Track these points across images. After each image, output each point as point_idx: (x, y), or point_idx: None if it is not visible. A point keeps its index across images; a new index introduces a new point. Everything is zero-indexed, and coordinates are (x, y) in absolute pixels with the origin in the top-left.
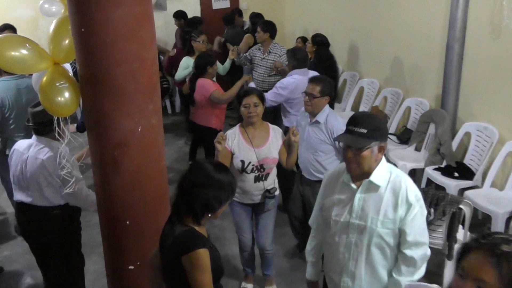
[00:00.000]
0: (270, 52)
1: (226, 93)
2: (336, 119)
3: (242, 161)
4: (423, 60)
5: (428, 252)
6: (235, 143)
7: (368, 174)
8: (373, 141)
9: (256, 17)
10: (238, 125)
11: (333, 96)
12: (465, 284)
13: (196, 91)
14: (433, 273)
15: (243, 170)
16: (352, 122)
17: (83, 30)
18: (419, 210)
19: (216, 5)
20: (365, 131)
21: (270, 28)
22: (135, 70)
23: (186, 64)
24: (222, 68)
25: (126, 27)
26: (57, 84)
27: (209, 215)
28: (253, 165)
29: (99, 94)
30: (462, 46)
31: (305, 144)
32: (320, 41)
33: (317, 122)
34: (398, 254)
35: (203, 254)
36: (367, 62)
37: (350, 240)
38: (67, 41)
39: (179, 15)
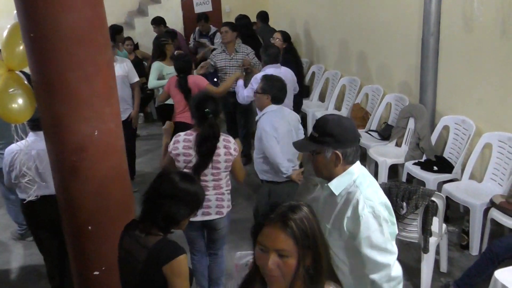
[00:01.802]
0: (237, 51)
1: (220, 86)
2: (267, 119)
3: None
4: (401, 56)
5: (394, 273)
6: None
7: (330, 179)
8: (324, 147)
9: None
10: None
11: (302, 91)
12: (267, 257)
13: (192, 89)
14: (414, 268)
15: None
16: (313, 125)
17: (32, 35)
18: (377, 227)
19: (198, 9)
20: (316, 135)
21: (241, 28)
22: (90, 74)
23: (159, 70)
24: None
25: (78, 32)
26: (10, 91)
27: (174, 226)
28: None
29: (54, 99)
30: (437, 40)
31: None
32: (288, 37)
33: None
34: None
35: (184, 260)
36: (347, 60)
37: None
38: (20, 48)
39: (158, 22)
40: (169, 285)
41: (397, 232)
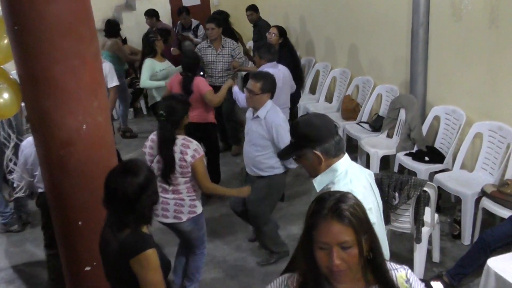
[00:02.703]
0: (223, 46)
1: (216, 95)
2: (276, 115)
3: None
4: (391, 47)
5: None
6: (200, 147)
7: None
8: (303, 149)
9: (221, 14)
10: (183, 136)
11: (300, 86)
12: (331, 253)
13: (194, 91)
14: (407, 259)
15: None
16: (290, 132)
17: (16, 28)
18: None
19: (186, 2)
20: (293, 140)
21: (222, 23)
22: (75, 67)
23: (151, 67)
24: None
25: (63, 24)
26: None
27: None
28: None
29: (39, 93)
30: (427, 30)
31: (247, 138)
32: (284, 32)
33: (258, 117)
34: None
35: (152, 254)
36: (338, 52)
37: None
38: (5, 41)
39: (151, 14)
40: (138, 279)
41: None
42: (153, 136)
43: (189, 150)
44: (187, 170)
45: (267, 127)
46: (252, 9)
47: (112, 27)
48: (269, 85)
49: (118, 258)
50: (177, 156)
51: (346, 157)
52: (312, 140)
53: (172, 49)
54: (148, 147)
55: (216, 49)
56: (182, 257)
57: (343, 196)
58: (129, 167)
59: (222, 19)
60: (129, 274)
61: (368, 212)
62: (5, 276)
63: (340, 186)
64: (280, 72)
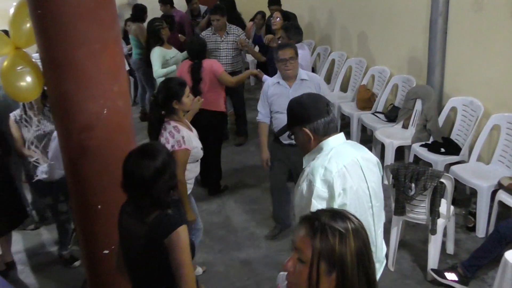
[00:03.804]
0: (228, 33)
1: (235, 77)
2: (315, 75)
3: (202, 148)
4: (409, 36)
5: None
6: (187, 138)
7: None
8: (294, 127)
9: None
10: (172, 122)
11: None
12: (292, 256)
13: (205, 74)
14: (420, 250)
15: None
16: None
17: (39, 12)
18: (305, 200)
19: None
20: (287, 119)
21: (226, 11)
22: (96, 51)
23: (161, 56)
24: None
25: (84, 8)
26: (18, 69)
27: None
28: (201, 148)
29: (61, 77)
30: (446, 20)
31: (282, 109)
32: (288, 16)
33: (303, 80)
34: None
35: (183, 232)
36: (354, 41)
37: None
38: (27, 25)
39: (165, 1)
40: (171, 258)
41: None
42: (178, 125)
43: (171, 139)
44: None
45: (316, 86)
46: (276, 3)
47: (138, 12)
48: (296, 49)
49: (150, 241)
50: (162, 141)
51: (337, 136)
52: (301, 119)
53: (179, 35)
54: (187, 134)
55: (220, 36)
56: None
57: (342, 217)
58: (147, 150)
59: (227, 6)
60: (162, 255)
61: (341, 192)
62: (22, 257)
63: (318, 162)
64: (306, 53)
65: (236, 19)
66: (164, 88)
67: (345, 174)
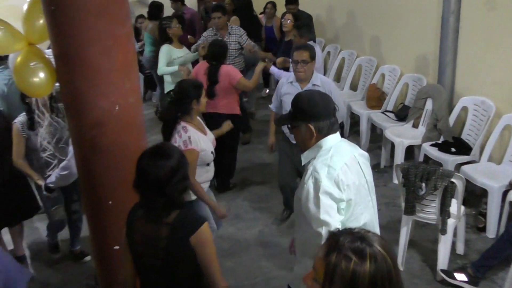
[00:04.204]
0: (230, 33)
1: (251, 80)
2: (327, 79)
3: (212, 152)
4: (419, 35)
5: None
6: (197, 140)
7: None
8: (298, 122)
9: None
10: (182, 123)
11: None
12: (310, 273)
13: (221, 79)
14: (429, 250)
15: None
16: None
17: (53, 8)
18: (313, 198)
19: None
20: (292, 110)
21: (245, 9)
22: (109, 48)
23: (168, 54)
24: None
25: (97, 5)
26: (31, 65)
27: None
28: (212, 152)
29: (73, 74)
30: (458, 19)
31: None
32: (299, 16)
33: (315, 85)
34: None
35: (207, 228)
36: (364, 40)
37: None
38: (41, 21)
39: None
40: (198, 256)
41: (343, 207)
42: (188, 126)
43: (179, 139)
44: None
45: (326, 92)
46: (293, 2)
47: (153, 9)
48: (313, 53)
49: (174, 241)
50: (172, 140)
51: (335, 135)
52: (309, 115)
53: (189, 36)
54: (197, 137)
55: (223, 36)
56: None
57: (364, 242)
58: (161, 150)
59: (242, 5)
60: (188, 254)
61: (346, 188)
62: (35, 248)
63: (319, 161)
64: (318, 51)
65: (252, 19)
66: (182, 88)
67: (346, 171)
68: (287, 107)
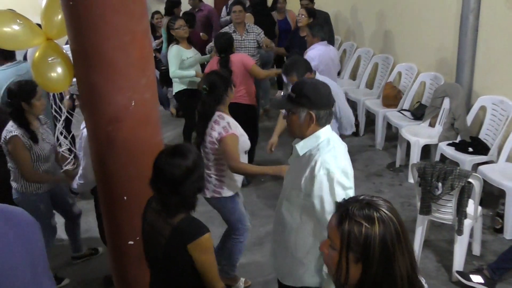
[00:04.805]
0: (248, 31)
1: (265, 71)
2: (333, 84)
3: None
4: (438, 33)
5: None
6: (233, 124)
7: (301, 138)
8: (299, 107)
9: None
10: (218, 113)
11: None
12: (326, 240)
13: (235, 67)
14: (445, 250)
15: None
16: (292, 87)
17: (71, 3)
18: (328, 189)
19: None
20: (294, 95)
21: (260, 6)
22: (126, 43)
23: (178, 55)
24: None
25: (115, 0)
26: (49, 60)
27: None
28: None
29: (90, 69)
30: (477, 17)
31: None
32: (314, 13)
33: None
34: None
35: (208, 239)
36: (380, 37)
37: (280, 195)
38: (59, 17)
39: None
40: (195, 262)
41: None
42: (224, 115)
43: (217, 126)
44: (215, 147)
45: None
46: (240, 4)
47: (170, 5)
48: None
49: (173, 244)
50: (208, 131)
51: (328, 126)
52: (313, 102)
53: (201, 34)
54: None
55: (240, 34)
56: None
57: (371, 207)
58: (179, 150)
59: (257, 2)
60: (183, 259)
61: (350, 177)
62: None
63: (325, 152)
64: (331, 50)
65: (267, 16)
66: (214, 79)
67: (348, 160)
68: None
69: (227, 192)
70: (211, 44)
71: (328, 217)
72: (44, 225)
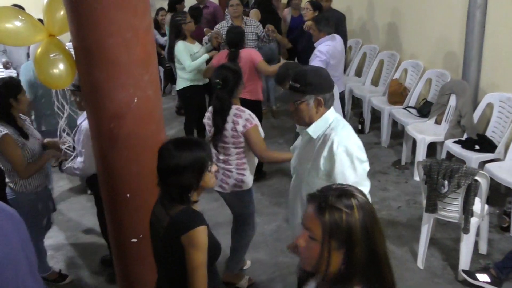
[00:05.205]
0: (246, 24)
1: (272, 66)
2: None
3: None
4: (444, 29)
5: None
6: (254, 116)
7: (310, 124)
8: (307, 95)
9: None
10: (235, 106)
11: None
12: (303, 233)
13: (244, 63)
14: (451, 249)
15: None
16: (292, 77)
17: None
18: (349, 164)
19: None
20: (298, 85)
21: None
22: (128, 40)
23: (187, 50)
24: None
25: None
26: (51, 56)
27: (192, 192)
28: None
29: (92, 66)
30: (484, 13)
31: None
32: (319, 6)
33: None
34: None
35: (203, 232)
36: (386, 34)
37: (294, 183)
38: (61, 13)
39: None
40: (185, 255)
41: (368, 169)
42: (211, 108)
43: (240, 119)
44: (239, 141)
45: None
46: None
47: (173, 2)
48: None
49: (168, 235)
50: (229, 126)
51: (332, 108)
52: (318, 88)
53: (205, 29)
54: (207, 117)
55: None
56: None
57: (347, 195)
58: (188, 141)
59: None
60: (178, 251)
61: (363, 150)
62: (53, 243)
63: (339, 131)
64: (338, 44)
65: (273, 13)
66: (231, 71)
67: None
68: None
69: (247, 185)
70: (209, 34)
71: None
72: (39, 224)
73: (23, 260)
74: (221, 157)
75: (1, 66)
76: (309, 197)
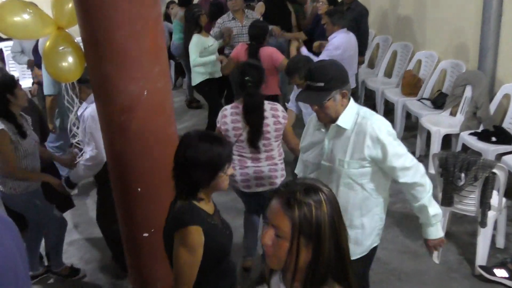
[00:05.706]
0: (248, 17)
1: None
2: None
3: None
4: (459, 19)
5: (421, 168)
6: None
7: (335, 119)
8: (333, 91)
9: None
10: (266, 101)
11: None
12: (268, 230)
13: (263, 60)
14: (467, 243)
15: None
16: (310, 77)
17: None
18: (396, 142)
19: None
20: (322, 84)
21: None
22: (138, 31)
23: (200, 44)
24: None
25: None
26: (60, 49)
27: (200, 190)
28: None
29: (101, 58)
30: (501, 2)
31: None
32: (333, 0)
33: None
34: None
35: (194, 232)
36: (399, 25)
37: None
38: (69, 5)
39: None
40: (173, 250)
41: None
42: (232, 109)
43: (279, 112)
44: (281, 133)
45: None
46: None
47: None
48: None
49: (167, 229)
50: (270, 120)
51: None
52: (340, 80)
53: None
54: (230, 121)
55: (240, 21)
56: (248, 223)
57: (313, 189)
58: (209, 136)
59: None
60: (171, 247)
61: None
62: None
63: (371, 117)
64: (352, 38)
65: (282, 7)
66: (255, 69)
67: None
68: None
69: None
70: (216, 31)
71: (409, 161)
72: (49, 219)
73: (21, 266)
74: (262, 155)
75: (26, 66)
76: (273, 194)
